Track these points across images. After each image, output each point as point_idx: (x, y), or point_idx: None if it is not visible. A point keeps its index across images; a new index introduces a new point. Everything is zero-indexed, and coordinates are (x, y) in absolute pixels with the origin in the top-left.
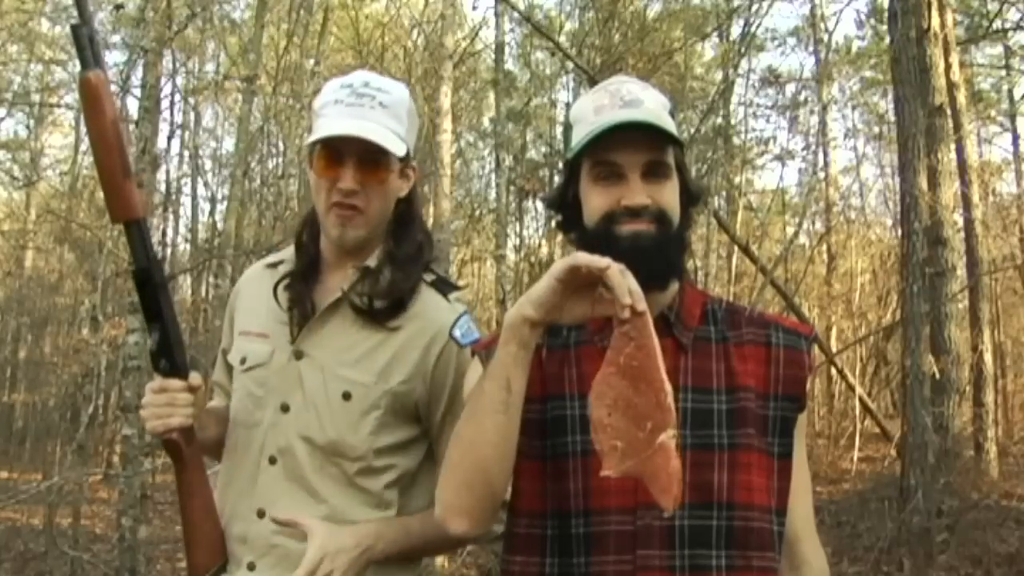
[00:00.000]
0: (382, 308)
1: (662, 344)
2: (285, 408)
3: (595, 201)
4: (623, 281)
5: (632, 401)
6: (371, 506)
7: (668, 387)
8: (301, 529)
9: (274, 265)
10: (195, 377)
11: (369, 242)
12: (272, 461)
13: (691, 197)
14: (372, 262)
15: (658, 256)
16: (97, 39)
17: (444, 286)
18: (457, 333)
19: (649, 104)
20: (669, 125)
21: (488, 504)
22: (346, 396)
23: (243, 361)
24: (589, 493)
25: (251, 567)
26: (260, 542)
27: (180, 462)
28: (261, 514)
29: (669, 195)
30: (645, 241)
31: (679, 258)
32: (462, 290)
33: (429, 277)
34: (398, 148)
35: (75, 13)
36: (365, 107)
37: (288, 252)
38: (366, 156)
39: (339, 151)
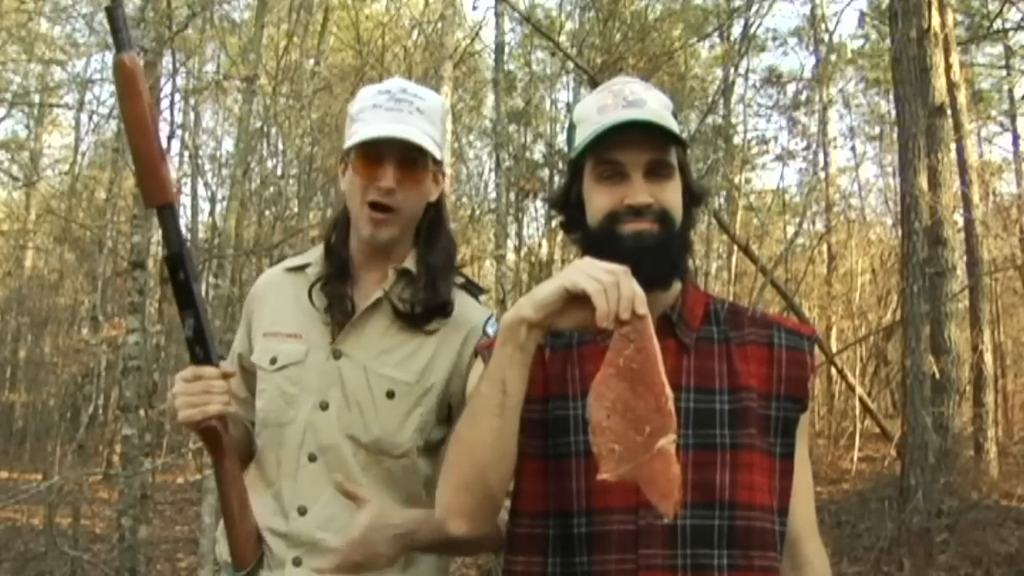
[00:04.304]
0: (423, 313)
1: (665, 344)
2: (324, 406)
3: (598, 201)
4: (607, 306)
5: (631, 404)
6: (409, 506)
7: (669, 391)
8: (359, 499)
9: (298, 269)
10: (227, 366)
11: (399, 242)
12: (312, 459)
13: (693, 197)
14: (410, 266)
15: (661, 256)
16: (128, 21)
17: (474, 288)
18: (490, 331)
19: (652, 104)
20: (672, 125)
21: (487, 505)
22: (390, 395)
23: (274, 361)
24: (591, 493)
25: (297, 562)
26: (304, 538)
27: (219, 451)
28: (302, 511)
29: (672, 195)
30: (648, 241)
31: (681, 258)
32: (487, 292)
33: (459, 280)
34: (435, 151)
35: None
36: (404, 112)
37: (312, 255)
38: (404, 157)
39: (379, 153)
